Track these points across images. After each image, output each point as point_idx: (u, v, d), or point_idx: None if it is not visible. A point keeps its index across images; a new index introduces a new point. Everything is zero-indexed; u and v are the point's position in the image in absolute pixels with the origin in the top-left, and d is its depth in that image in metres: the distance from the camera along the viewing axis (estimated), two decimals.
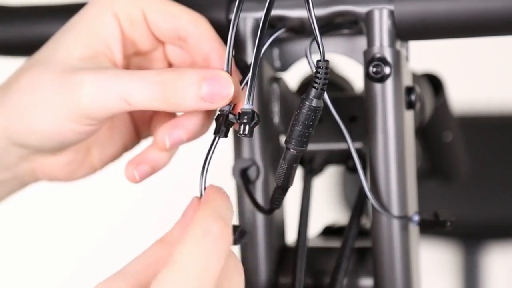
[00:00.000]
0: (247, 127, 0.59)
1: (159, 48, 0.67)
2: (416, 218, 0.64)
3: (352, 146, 0.64)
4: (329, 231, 0.76)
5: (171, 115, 0.67)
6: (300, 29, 0.67)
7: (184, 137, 0.64)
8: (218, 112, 0.61)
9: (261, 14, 0.60)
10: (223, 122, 0.60)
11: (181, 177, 1.52)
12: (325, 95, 0.62)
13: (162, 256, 0.56)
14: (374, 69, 0.64)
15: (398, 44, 0.65)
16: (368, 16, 0.64)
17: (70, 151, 0.67)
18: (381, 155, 0.65)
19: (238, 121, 0.59)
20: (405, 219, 0.65)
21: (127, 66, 0.66)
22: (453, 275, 1.69)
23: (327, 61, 0.58)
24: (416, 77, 0.73)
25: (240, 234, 0.58)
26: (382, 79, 0.64)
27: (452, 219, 0.64)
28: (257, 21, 0.66)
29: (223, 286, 0.54)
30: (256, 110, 0.59)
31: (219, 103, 0.60)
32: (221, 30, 0.65)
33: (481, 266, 1.62)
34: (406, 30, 0.64)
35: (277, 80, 0.69)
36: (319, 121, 0.60)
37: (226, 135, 0.60)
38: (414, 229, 0.66)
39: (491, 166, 1.55)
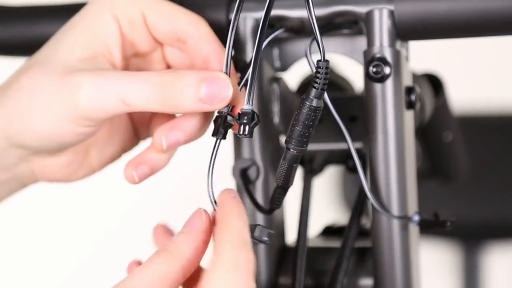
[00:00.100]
0: (247, 128, 0.59)
1: (158, 49, 0.67)
2: (416, 218, 0.64)
3: (352, 146, 0.64)
4: (329, 231, 0.76)
5: (170, 116, 0.67)
6: (300, 29, 0.67)
7: (181, 139, 0.64)
8: (216, 114, 0.61)
9: (261, 14, 0.60)
10: (222, 123, 0.60)
11: (180, 178, 1.52)
12: (325, 95, 0.62)
13: (169, 271, 0.56)
14: (374, 69, 0.64)
15: (398, 44, 0.65)
16: (368, 16, 0.64)
17: (69, 152, 0.67)
18: (381, 155, 0.64)
19: (238, 121, 0.59)
20: (405, 219, 0.65)
21: (126, 67, 0.66)
22: (453, 275, 1.69)
23: (327, 61, 0.58)
24: (416, 77, 0.73)
25: (268, 235, 0.59)
26: (382, 79, 0.64)
27: (452, 219, 0.64)
28: (257, 21, 0.66)
29: None
30: (256, 110, 0.59)
31: (218, 105, 0.60)
32: (221, 30, 0.65)
33: (481, 266, 1.62)
34: (406, 30, 0.64)
35: (277, 80, 0.69)
36: (319, 121, 0.60)
37: (224, 137, 0.60)
38: (414, 229, 0.66)
39: (491, 166, 1.55)
